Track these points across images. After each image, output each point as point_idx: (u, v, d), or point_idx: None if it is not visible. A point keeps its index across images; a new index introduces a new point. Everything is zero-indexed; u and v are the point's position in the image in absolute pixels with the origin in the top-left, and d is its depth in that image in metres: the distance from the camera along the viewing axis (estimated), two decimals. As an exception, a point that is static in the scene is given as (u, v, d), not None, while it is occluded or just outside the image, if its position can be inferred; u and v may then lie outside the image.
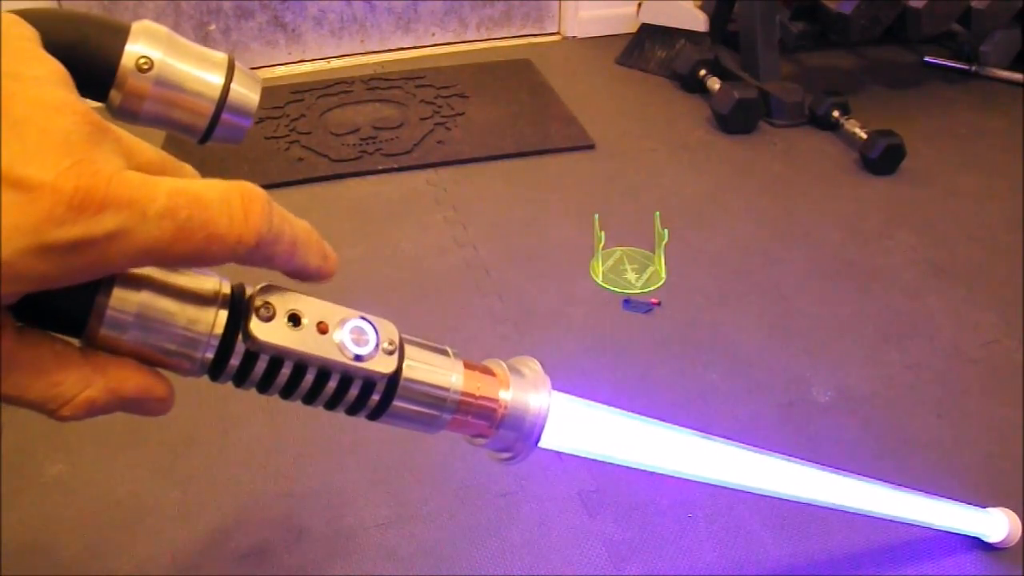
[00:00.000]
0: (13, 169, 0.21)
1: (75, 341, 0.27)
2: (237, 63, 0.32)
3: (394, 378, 0.35)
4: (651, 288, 1.21)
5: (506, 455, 0.42)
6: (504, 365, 0.40)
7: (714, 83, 1.72)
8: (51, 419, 0.27)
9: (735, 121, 1.62)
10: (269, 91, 1.74)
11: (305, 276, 0.30)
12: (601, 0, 2.10)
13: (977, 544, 0.82)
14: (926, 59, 1.91)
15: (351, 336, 0.32)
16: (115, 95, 0.30)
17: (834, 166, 1.53)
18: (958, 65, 1.86)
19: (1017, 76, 1.80)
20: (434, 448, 0.94)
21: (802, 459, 0.61)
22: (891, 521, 0.71)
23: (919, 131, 1.60)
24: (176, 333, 0.28)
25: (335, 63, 2.00)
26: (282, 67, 1.99)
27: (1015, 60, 1.80)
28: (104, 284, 0.27)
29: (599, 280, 1.22)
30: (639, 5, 1.97)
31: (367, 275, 1.23)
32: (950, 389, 1.02)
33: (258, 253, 0.26)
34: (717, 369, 1.06)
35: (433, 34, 2.08)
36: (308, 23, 1.98)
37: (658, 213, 1.28)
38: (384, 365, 0.33)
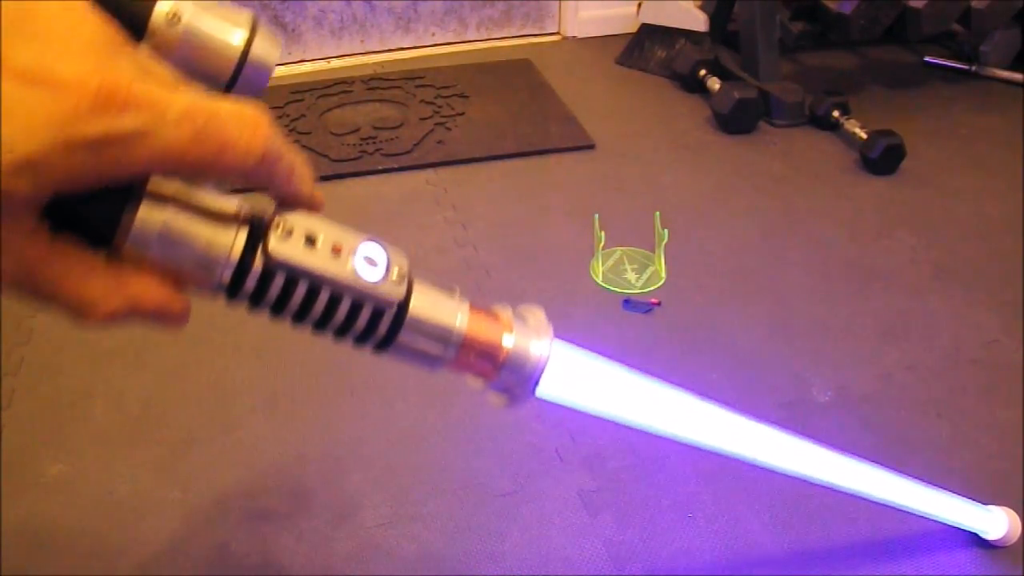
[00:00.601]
0: (41, 68, 0.23)
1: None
2: (260, 22, 0.34)
3: (402, 308, 0.36)
4: (651, 288, 1.21)
5: (505, 399, 0.42)
6: (510, 310, 0.41)
7: (714, 83, 1.72)
8: (76, 325, 0.29)
9: (735, 121, 1.62)
10: (269, 91, 1.73)
11: (298, 202, 0.32)
12: (601, 0, 2.10)
13: (976, 541, 0.82)
14: (926, 59, 1.91)
15: (364, 260, 0.33)
16: (145, 45, 0.32)
17: (834, 166, 1.53)
18: (958, 65, 1.86)
19: (1017, 76, 1.80)
20: (434, 448, 0.95)
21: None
22: (890, 514, 0.71)
23: (919, 131, 1.60)
24: (197, 250, 0.30)
25: (335, 63, 2.00)
26: (282, 67, 1.99)
27: (1015, 60, 1.81)
28: (132, 199, 0.28)
29: (599, 280, 1.22)
30: (639, 5, 1.97)
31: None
32: (950, 389, 1.02)
33: (262, 167, 0.28)
34: (717, 369, 1.06)
35: (433, 34, 2.08)
36: (308, 23, 1.98)
37: (658, 213, 1.28)
38: (394, 292, 0.34)
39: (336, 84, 1.82)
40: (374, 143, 1.59)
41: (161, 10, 0.30)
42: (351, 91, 1.80)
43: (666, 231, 1.24)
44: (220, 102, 0.27)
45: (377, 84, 1.83)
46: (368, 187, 1.48)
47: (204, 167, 0.26)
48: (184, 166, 0.26)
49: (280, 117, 1.68)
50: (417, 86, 1.82)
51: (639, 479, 0.90)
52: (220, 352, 1.09)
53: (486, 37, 2.12)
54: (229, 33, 0.32)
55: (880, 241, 1.32)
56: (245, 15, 0.32)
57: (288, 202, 0.32)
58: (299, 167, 0.31)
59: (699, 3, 1.91)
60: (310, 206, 0.33)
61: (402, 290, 0.34)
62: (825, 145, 1.60)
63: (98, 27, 0.25)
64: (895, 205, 1.41)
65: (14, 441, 0.96)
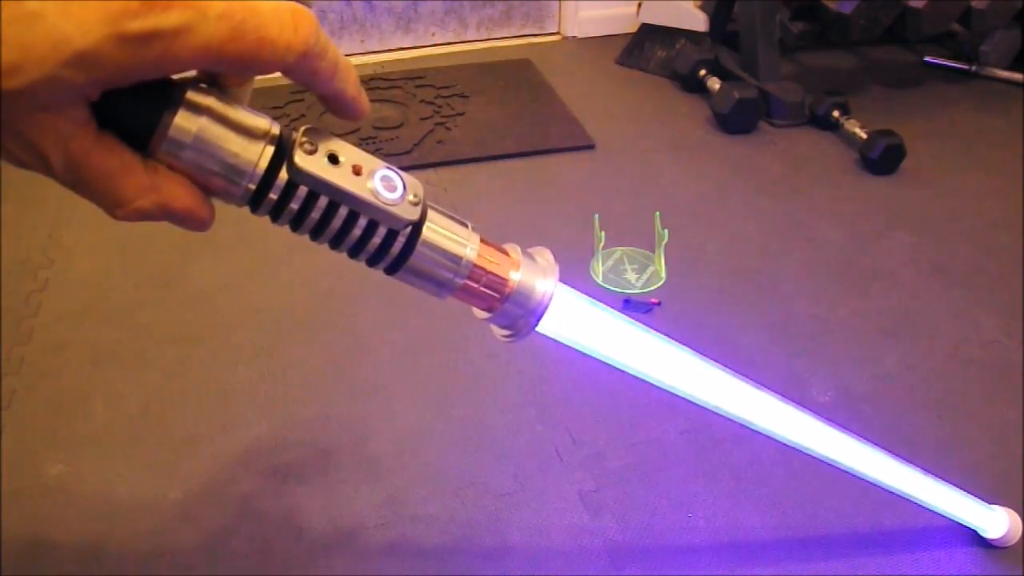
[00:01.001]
0: None
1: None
2: None
3: (416, 230, 0.37)
4: (651, 288, 1.21)
5: (508, 332, 0.44)
6: (519, 249, 0.43)
7: (714, 83, 1.72)
8: (108, 215, 0.31)
9: (735, 121, 1.62)
10: (269, 91, 1.74)
11: (342, 102, 0.34)
12: (601, 0, 2.10)
13: (976, 540, 0.82)
14: (926, 59, 1.91)
15: (382, 181, 0.35)
16: None
17: (834, 166, 1.53)
18: (958, 65, 1.86)
19: (1017, 76, 1.80)
20: (434, 448, 0.95)
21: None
22: (890, 512, 0.71)
23: (919, 131, 1.60)
24: (227, 159, 0.32)
25: (335, 63, 2.00)
26: (282, 67, 1.99)
27: (1015, 60, 1.80)
28: (170, 106, 0.30)
29: (599, 280, 1.22)
30: (639, 5, 1.97)
31: (367, 276, 1.23)
32: (950, 389, 1.02)
33: (304, 64, 0.30)
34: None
35: (433, 34, 2.08)
36: (308, 23, 1.97)
37: (658, 213, 1.28)
38: (409, 213, 0.36)
39: (336, 84, 1.82)
40: (374, 143, 1.59)
41: None
42: (351, 91, 1.80)
43: (666, 231, 1.24)
44: (263, 2, 0.28)
45: (377, 84, 1.83)
46: (368, 187, 1.48)
47: (244, 62, 0.28)
48: (224, 60, 0.28)
49: (280, 117, 1.68)
50: (417, 86, 1.83)
51: (639, 479, 0.90)
52: (220, 352, 1.09)
53: (486, 37, 2.13)
54: None
55: (880, 241, 1.32)
56: None
57: (332, 102, 0.34)
58: (343, 67, 0.32)
59: (699, 3, 1.91)
60: (354, 107, 0.34)
61: (417, 212, 0.36)
62: (825, 145, 1.60)
63: None
64: (895, 205, 1.41)
65: (14, 441, 0.96)
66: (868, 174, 1.50)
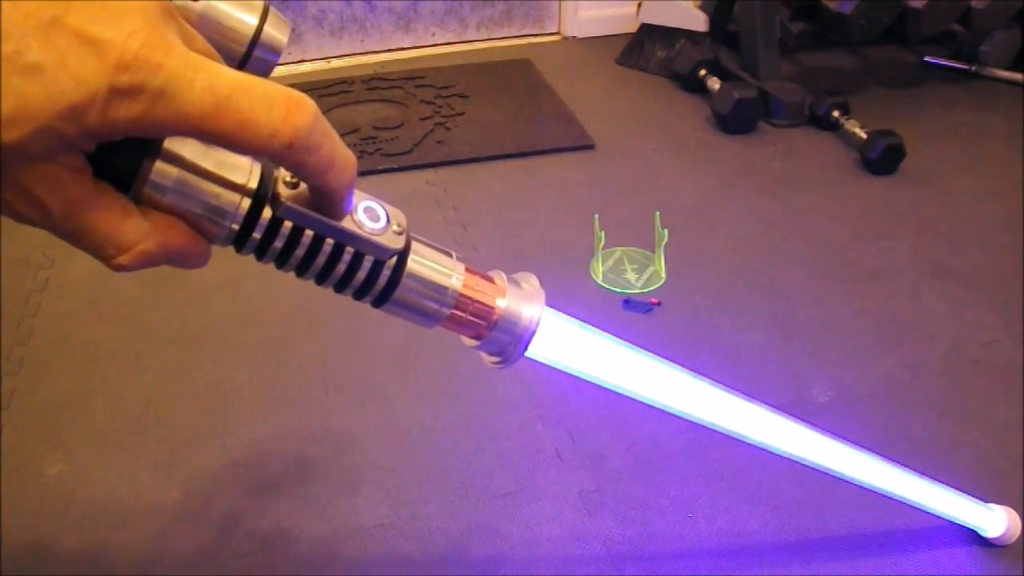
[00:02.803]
0: (94, 30, 0.26)
1: None
2: (272, 8, 0.36)
3: (401, 261, 0.38)
4: (651, 288, 1.21)
5: (497, 359, 0.44)
6: (504, 276, 0.43)
7: (714, 83, 1.72)
8: (106, 266, 0.31)
9: (735, 121, 1.62)
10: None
11: (328, 200, 0.33)
12: (601, 0, 2.10)
13: (976, 540, 0.82)
14: (926, 59, 1.91)
15: (365, 212, 0.35)
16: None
17: (834, 166, 1.53)
18: (958, 65, 1.86)
19: (1017, 76, 1.80)
20: (434, 448, 0.95)
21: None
22: (890, 512, 0.71)
23: (919, 131, 1.60)
24: (209, 200, 0.32)
25: (335, 63, 2.00)
26: (282, 67, 1.99)
27: (1015, 60, 1.80)
28: (152, 151, 0.31)
29: (599, 280, 1.22)
30: (639, 5, 1.97)
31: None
32: (950, 389, 1.02)
33: (291, 155, 0.29)
34: (717, 369, 1.06)
35: (433, 34, 2.08)
36: (308, 23, 1.98)
37: (658, 213, 1.28)
38: (394, 242, 0.36)
39: (336, 84, 1.82)
40: (374, 143, 1.59)
41: None
42: (351, 91, 1.80)
43: (666, 231, 1.24)
44: (259, 83, 0.28)
45: (377, 84, 1.83)
46: (368, 187, 1.46)
47: (224, 139, 0.28)
48: (204, 134, 0.28)
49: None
50: (417, 86, 1.83)
51: (639, 479, 0.90)
52: (220, 352, 1.09)
53: (486, 37, 2.12)
54: (244, 14, 0.34)
55: (880, 241, 1.32)
56: (259, 2, 0.35)
57: (316, 195, 0.33)
58: (339, 166, 0.31)
59: (699, 3, 1.91)
60: (338, 208, 0.34)
61: (401, 242, 0.36)
62: (825, 145, 1.60)
63: (152, 1, 0.28)
64: (895, 205, 1.41)
65: (14, 441, 0.96)
66: (868, 174, 1.50)
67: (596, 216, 1.27)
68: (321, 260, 0.35)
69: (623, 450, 0.94)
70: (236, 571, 0.81)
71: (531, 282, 0.44)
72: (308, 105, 0.29)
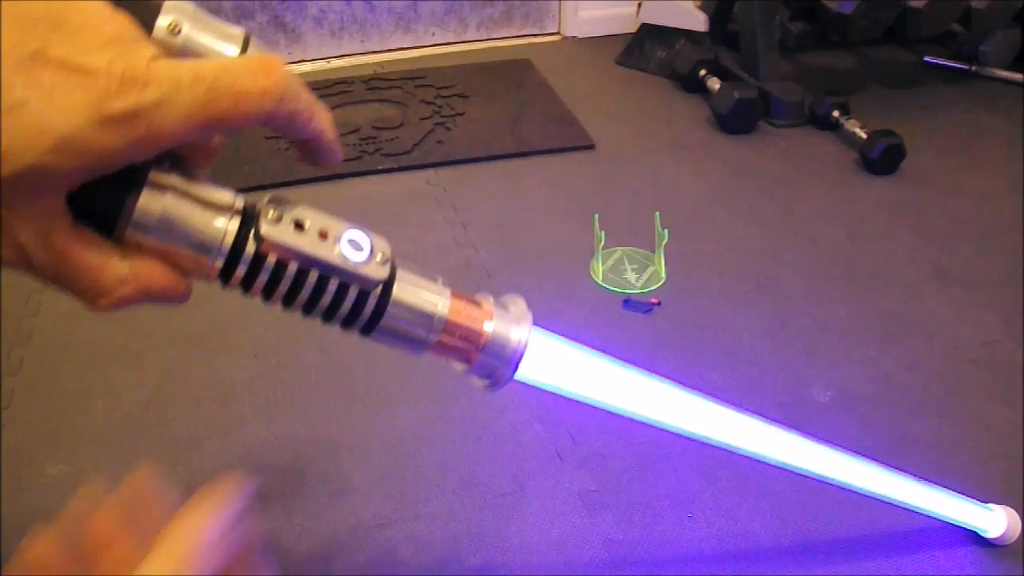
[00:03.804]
0: (76, 59, 0.26)
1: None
2: (252, 37, 0.36)
3: (387, 290, 0.38)
4: (651, 288, 1.21)
5: (487, 382, 0.45)
6: (491, 299, 0.43)
7: (714, 83, 1.72)
8: (88, 307, 0.31)
9: (735, 121, 1.62)
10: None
11: (321, 144, 0.34)
12: (601, 0, 2.10)
13: (976, 540, 0.82)
14: (926, 59, 1.91)
15: (349, 244, 0.35)
16: None
17: (834, 166, 1.53)
18: (958, 65, 1.86)
19: (1017, 76, 1.80)
20: (434, 448, 0.94)
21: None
22: (891, 512, 0.71)
23: (919, 131, 1.60)
24: (193, 237, 0.32)
25: (335, 63, 2.00)
26: (282, 67, 1.99)
27: (1015, 60, 1.80)
28: (134, 188, 0.30)
29: (599, 280, 1.22)
30: (639, 5, 1.97)
31: (367, 275, 1.23)
32: (950, 389, 1.02)
33: (283, 108, 0.30)
34: (717, 369, 1.06)
35: (433, 34, 2.08)
36: (308, 23, 1.98)
37: (658, 213, 1.28)
38: (378, 273, 0.36)
39: (336, 84, 1.82)
40: (374, 143, 1.59)
41: (163, 22, 0.33)
42: (351, 91, 1.80)
43: (666, 231, 1.24)
44: (230, 59, 0.30)
45: (377, 84, 1.83)
46: (368, 187, 1.48)
47: (226, 119, 0.29)
48: (208, 123, 0.28)
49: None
50: (417, 86, 1.83)
51: (639, 479, 0.90)
52: (220, 352, 1.09)
53: (486, 37, 2.12)
54: (224, 44, 0.34)
55: (880, 241, 1.32)
56: (238, 31, 0.35)
57: (311, 145, 0.34)
58: (320, 109, 0.33)
59: (699, 3, 1.91)
60: (332, 149, 0.35)
61: (386, 271, 0.36)
62: (825, 145, 1.60)
63: (123, 24, 0.28)
64: (895, 205, 1.41)
65: (14, 441, 0.96)
66: (868, 174, 1.50)
67: (596, 216, 1.27)
68: (306, 293, 0.35)
69: (623, 450, 0.94)
70: (236, 570, 0.81)
71: (518, 304, 0.45)
72: (277, 59, 0.30)
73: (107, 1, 0.29)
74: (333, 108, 1.72)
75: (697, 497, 0.88)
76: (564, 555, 0.83)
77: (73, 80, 0.26)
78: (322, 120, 0.33)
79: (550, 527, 0.85)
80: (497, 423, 0.98)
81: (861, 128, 1.54)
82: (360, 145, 1.58)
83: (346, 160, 1.53)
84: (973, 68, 1.84)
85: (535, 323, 0.45)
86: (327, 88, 1.80)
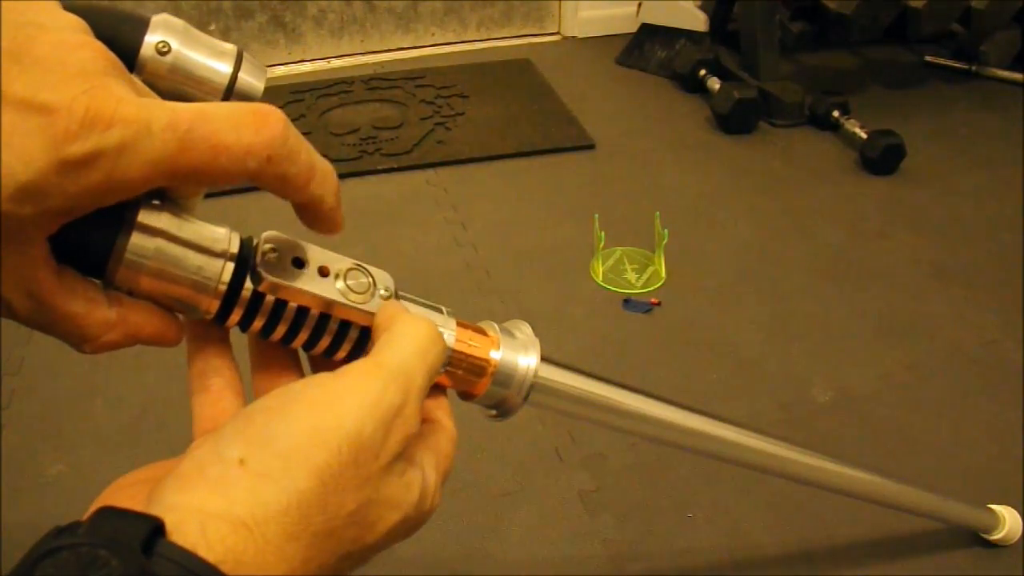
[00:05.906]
0: (37, 96, 0.24)
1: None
2: (246, 53, 0.34)
3: None
4: (651, 288, 1.21)
5: (495, 412, 0.44)
6: (496, 327, 0.42)
7: (714, 83, 1.72)
8: (76, 350, 0.30)
9: (735, 121, 1.62)
10: (269, 91, 1.73)
11: (318, 211, 0.31)
12: (601, 0, 2.10)
13: (976, 540, 0.82)
14: (926, 59, 1.91)
15: (350, 279, 0.34)
16: (136, 76, 0.32)
17: (834, 166, 1.53)
18: (958, 65, 1.86)
19: (1017, 76, 1.80)
20: (434, 448, 0.94)
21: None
22: (891, 514, 0.71)
23: (919, 131, 1.60)
24: (188, 278, 0.30)
25: (335, 63, 2.00)
26: (282, 67, 1.99)
27: (1015, 60, 1.80)
28: (124, 229, 0.29)
29: (599, 280, 1.22)
30: (639, 5, 1.97)
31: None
32: (950, 389, 1.02)
33: (271, 169, 0.27)
34: (717, 369, 1.06)
35: (433, 34, 2.08)
36: (308, 23, 1.98)
37: (658, 213, 1.28)
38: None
39: (336, 84, 1.82)
40: (374, 143, 1.59)
41: (151, 41, 0.31)
42: (351, 91, 1.80)
43: (666, 231, 1.24)
44: (218, 106, 0.26)
45: (377, 84, 1.83)
46: (368, 187, 1.48)
47: (200, 173, 0.26)
48: (178, 174, 0.26)
49: (280, 117, 1.68)
50: (417, 86, 1.83)
51: (639, 479, 0.90)
52: (220, 352, 1.09)
53: (486, 37, 2.13)
54: (216, 62, 0.33)
55: (880, 241, 1.32)
56: (230, 48, 0.33)
57: (307, 210, 0.31)
58: (320, 172, 0.29)
59: (699, 3, 1.91)
60: (331, 219, 0.31)
61: None
62: (825, 145, 1.60)
63: (94, 54, 0.25)
64: (895, 205, 1.41)
65: (14, 441, 0.96)
66: (868, 174, 1.50)
67: (596, 216, 1.27)
68: (307, 331, 0.34)
69: (623, 450, 0.94)
70: (236, 571, 0.81)
71: (524, 330, 0.43)
72: (276, 114, 0.27)
73: (87, 22, 0.27)
74: (333, 108, 1.72)
75: (697, 497, 0.88)
76: (564, 554, 0.83)
77: (32, 121, 0.24)
78: (321, 186, 0.29)
79: (550, 527, 0.85)
80: (497, 423, 0.97)
81: (861, 128, 1.54)
82: (360, 145, 1.58)
83: (346, 160, 1.53)
84: (973, 68, 1.84)
85: (538, 328, 0.45)
86: (327, 88, 1.80)
